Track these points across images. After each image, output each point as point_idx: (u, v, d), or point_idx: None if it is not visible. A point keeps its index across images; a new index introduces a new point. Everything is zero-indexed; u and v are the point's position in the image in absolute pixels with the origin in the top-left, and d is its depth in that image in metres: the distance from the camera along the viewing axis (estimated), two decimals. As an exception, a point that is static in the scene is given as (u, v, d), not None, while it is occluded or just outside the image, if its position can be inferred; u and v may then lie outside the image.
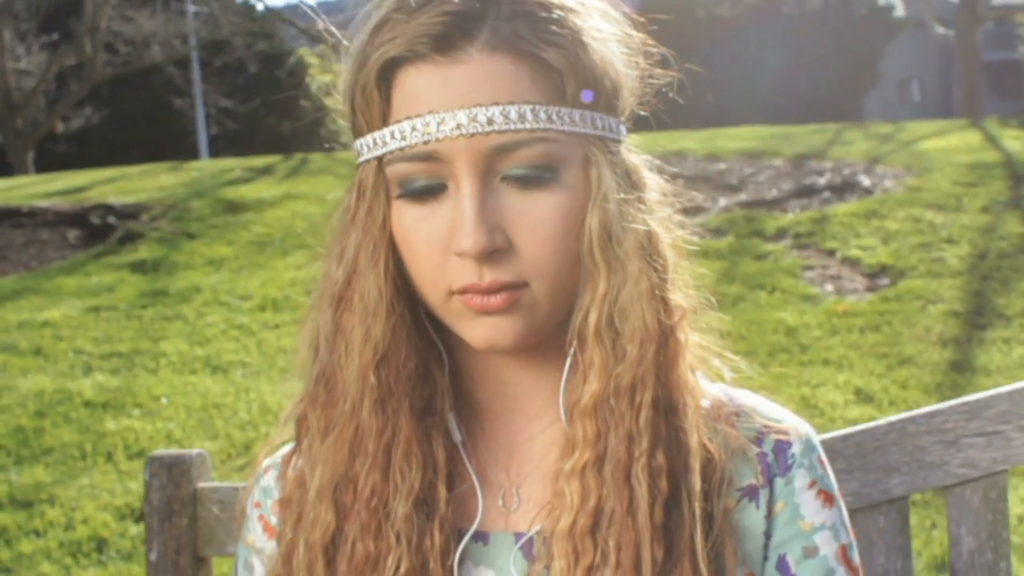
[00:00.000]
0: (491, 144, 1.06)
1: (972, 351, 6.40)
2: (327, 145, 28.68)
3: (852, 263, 8.10)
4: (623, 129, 1.15)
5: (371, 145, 1.11)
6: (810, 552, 1.14)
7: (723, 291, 7.47)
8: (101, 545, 4.90)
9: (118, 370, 6.79)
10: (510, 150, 1.07)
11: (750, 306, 7.25)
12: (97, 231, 9.79)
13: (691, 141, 12.29)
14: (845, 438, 1.44)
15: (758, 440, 1.16)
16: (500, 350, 1.11)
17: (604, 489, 1.08)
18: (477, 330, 1.10)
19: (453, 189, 1.08)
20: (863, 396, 5.78)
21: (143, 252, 9.21)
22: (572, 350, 1.12)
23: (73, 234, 9.80)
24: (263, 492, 1.25)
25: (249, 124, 28.89)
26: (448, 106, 1.06)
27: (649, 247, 1.11)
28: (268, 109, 29.40)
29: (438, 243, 1.09)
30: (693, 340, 1.16)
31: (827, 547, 1.15)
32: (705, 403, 1.15)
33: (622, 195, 1.10)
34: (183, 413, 6.15)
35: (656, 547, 1.06)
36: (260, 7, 27.49)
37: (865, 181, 10.15)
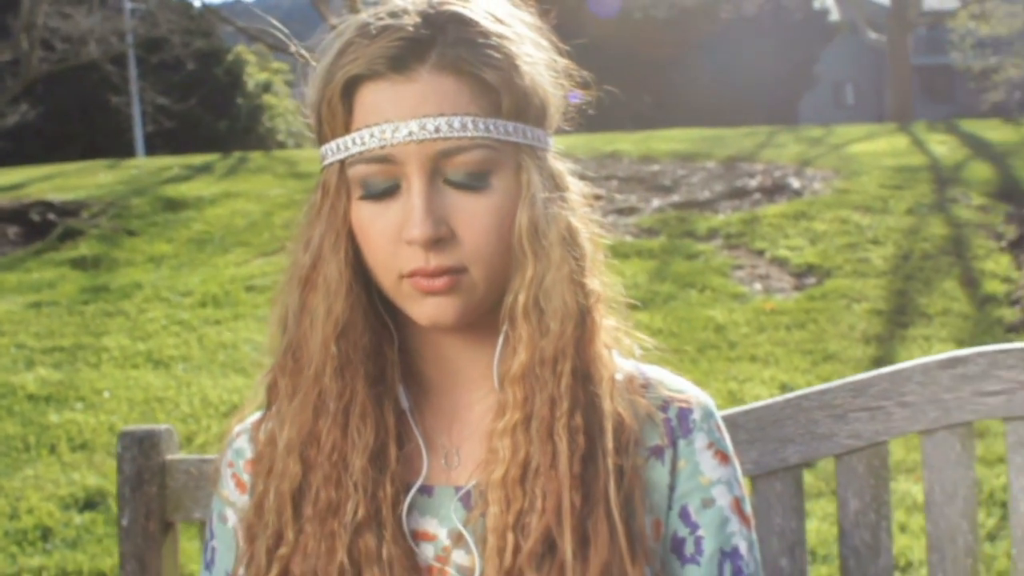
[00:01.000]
0: (437, 149, 1.24)
1: (894, 348, 6.63)
2: (275, 140, 28.66)
3: (780, 263, 8.33)
4: (550, 140, 1.32)
5: (335, 150, 1.28)
6: (708, 503, 1.32)
7: (655, 289, 7.67)
8: (46, 534, 5.00)
9: (60, 364, 6.88)
10: (453, 154, 1.24)
11: (681, 304, 7.45)
12: (37, 228, 9.84)
13: (626, 143, 12.48)
14: (747, 412, 1.62)
15: (664, 407, 1.34)
16: (442, 327, 1.28)
17: (531, 445, 1.25)
18: (423, 309, 1.27)
19: (405, 188, 1.25)
20: (788, 391, 5.98)
21: (84, 249, 9.28)
22: (504, 327, 1.29)
23: (13, 231, 9.84)
24: (235, 453, 1.41)
25: (186, 122, 28.74)
26: (402, 116, 1.23)
27: (570, 239, 1.28)
28: (204, 107, 29.27)
29: (391, 234, 1.25)
30: (608, 323, 1.33)
31: (723, 498, 1.33)
32: (619, 376, 1.33)
33: (547, 195, 1.28)
34: (125, 406, 6.25)
35: (575, 495, 1.24)
36: (198, 4, 27.35)
37: (795, 183, 10.39)
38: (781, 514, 1.61)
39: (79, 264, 8.95)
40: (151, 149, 27.82)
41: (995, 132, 13.31)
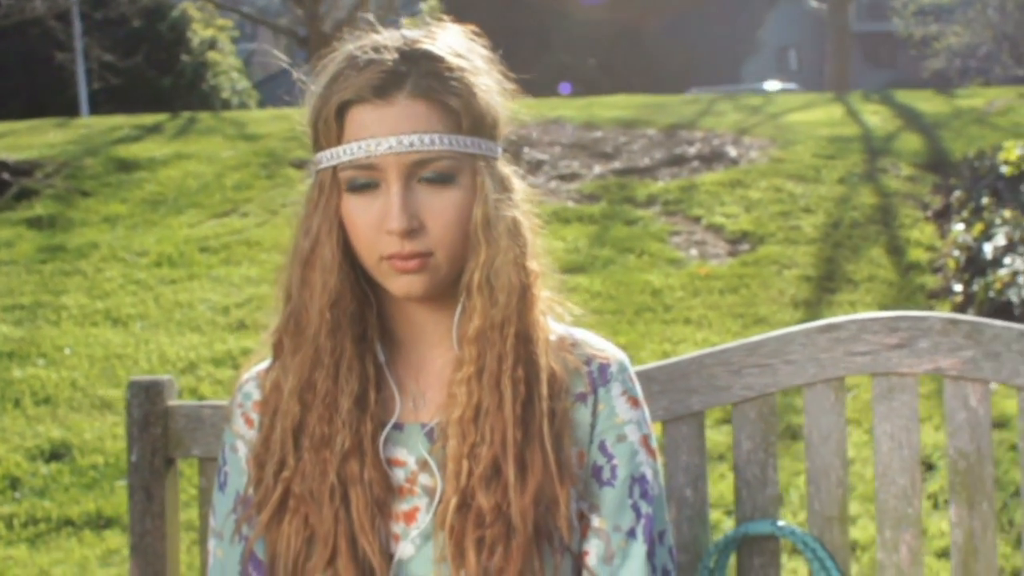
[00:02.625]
0: (411, 159, 1.57)
1: (821, 312, 6.97)
2: (219, 98, 28.63)
3: (716, 229, 8.63)
4: (499, 150, 1.65)
5: (328, 157, 1.60)
6: (621, 438, 1.66)
7: (595, 254, 7.98)
8: (15, 483, 5.27)
9: (21, 322, 7.12)
10: (424, 163, 1.58)
11: (619, 268, 7.75)
12: (-8, 186, 9.99)
13: (569, 109, 12.71)
14: (659, 368, 1.95)
15: (587, 362, 1.68)
16: (413, 298, 1.62)
17: (482, 392, 1.59)
18: (399, 284, 1.60)
19: (384, 188, 1.58)
20: (719, 352, 6.33)
21: (39, 209, 9.46)
22: (462, 299, 1.62)
23: (-33, 189, 9.99)
24: (244, 396, 1.72)
25: (130, 79, 28.61)
26: (383, 133, 1.56)
27: (514, 230, 1.62)
28: (148, 64, 29.15)
29: (374, 224, 1.58)
30: (545, 295, 1.68)
31: (633, 435, 1.67)
32: (552, 337, 1.67)
33: (497, 196, 1.61)
34: (86, 363, 6.50)
35: (517, 431, 1.58)
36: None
37: (732, 152, 10.67)
38: (687, 452, 1.94)
39: (35, 224, 9.14)
40: (95, 106, 27.73)
41: (928, 103, 13.63)
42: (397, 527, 1.62)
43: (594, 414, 1.66)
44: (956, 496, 1.90)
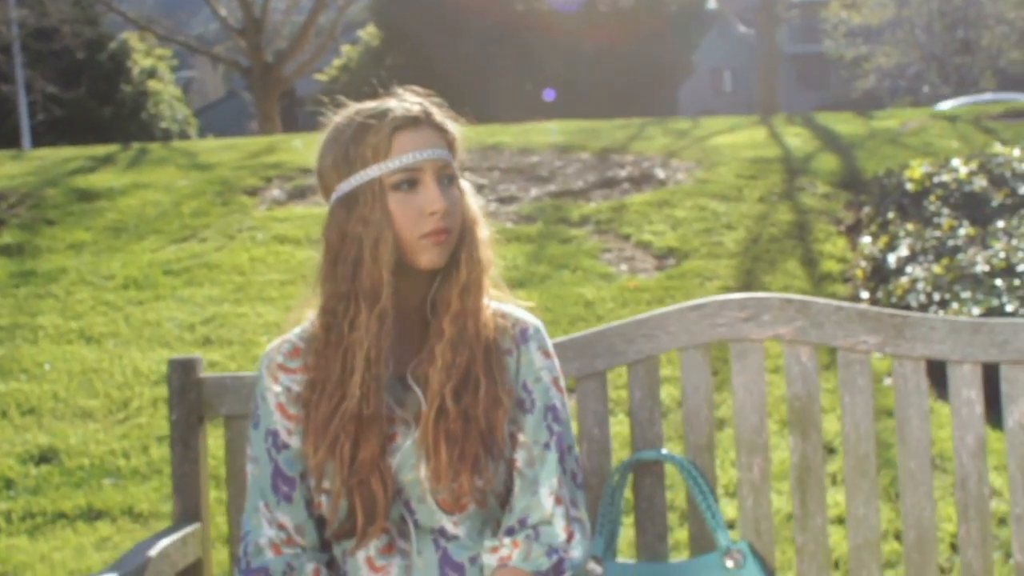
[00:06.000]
0: (439, 165, 2.26)
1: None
2: (159, 128, 28.95)
3: (644, 246, 9.20)
4: None
5: (379, 169, 2.24)
6: (538, 380, 2.33)
7: (532, 270, 8.58)
8: (9, 484, 5.79)
9: (1, 341, 7.66)
10: (444, 168, 2.27)
11: (555, 283, 8.35)
12: (-41, 218, 10.47)
13: (507, 136, 13.29)
14: (572, 340, 2.62)
15: (513, 327, 2.35)
16: (437, 266, 2.26)
17: (455, 345, 2.25)
18: (429, 256, 2.24)
19: (422, 186, 2.24)
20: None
21: (7, 237, 9.97)
22: (446, 270, 2.28)
23: (-65, 220, 10.47)
24: (269, 360, 2.34)
25: (72, 110, 28.88)
26: (422, 147, 2.25)
27: (482, 223, 2.33)
28: (89, 94, 29.45)
29: (417, 210, 2.23)
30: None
31: (546, 377, 2.34)
32: (491, 308, 2.33)
33: (471, 196, 2.33)
34: (65, 377, 7.05)
35: (475, 369, 2.25)
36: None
37: (660, 174, 11.26)
38: (593, 402, 2.60)
39: (5, 251, 9.65)
40: (36, 137, 28.03)
41: (846, 125, 14.33)
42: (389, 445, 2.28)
43: (517, 363, 2.33)
44: (793, 429, 2.57)
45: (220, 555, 3.90)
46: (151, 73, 33.48)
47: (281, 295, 8.30)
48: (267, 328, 7.64)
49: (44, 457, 6.08)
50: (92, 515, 5.51)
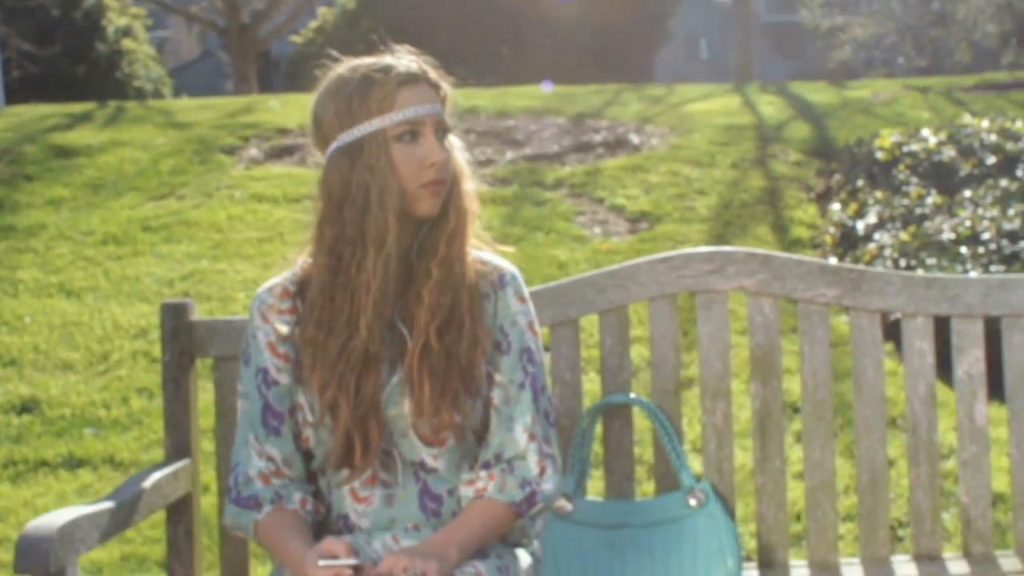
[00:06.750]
0: (437, 119, 2.40)
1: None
2: (134, 87, 28.90)
3: (617, 210, 9.30)
4: None
5: (382, 119, 2.37)
6: (514, 323, 2.47)
7: (507, 232, 8.69)
8: (-9, 432, 5.94)
9: (-19, 295, 7.75)
10: (440, 122, 2.41)
11: (529, 245, 8.46)
12: (-63, 173, 10.50)
13: (483, 99, 13.33)
14: (547, 288, 2.76)
15: (492, 273, 2.49)
16: (432, 214, 2.40)
17: (441, 287, 2.38)
18: (427, 204, 2.39)
19: (423, 139, 2.38)
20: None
21: (-14, 192, 10.04)
22: (443, 219, 2.42)
23: (-86, 174, 10.50)
24: (260, 301, 2.48)
25: (47, 68, 28.76)
26: (423, 102, 2.39)
27: (468, 174, 2.46)
28: (63, 52, 29.32)
29: (418, 160, 2.37)
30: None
31: (522, 321, 2.48)
32: (472, 255, 2.47)
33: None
34: (46, 329, 7.14)
35: (460, 308, 2.39)
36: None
37: (635, 139, 11.34)
38: (566, 347, 2.74)
39: (-17, 206, 9.71)
40: (11, 95, 27.89)
41: (820, 94, 14.40)
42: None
43: (495, 307, 2.47)
44: (755, 375, 2.72)
45: (209, 488, 4.02)
46: (126, 32, 33.26)
47: (258, 252, 8.39)
48: (245, 284, 7.74)
49: (26, 407, 6.19)
50: (73, 463, 5.63)
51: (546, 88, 12.27)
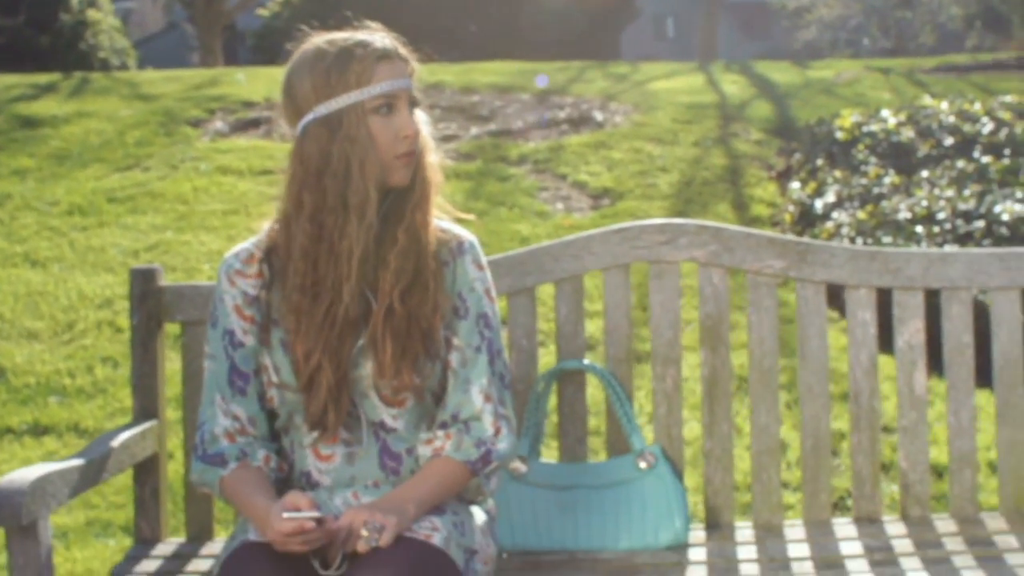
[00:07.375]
0: (409, 94, 2.49)
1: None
2: (98, 58, 28.75)
3: (580, 186, 9.39)
4: None
5: (361, 92, 2.46)
6: (471, 290, 2.57)
7: (471, 206, 8.77)
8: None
9: (-54, 263, 7.78)
10: (411, 96, 2.50)
11: (493, 220, 8.54)
12: (-98, 142, 10.50)
13: (448, 74, 13.39)
14: (505, 257, 2.86)
15: (452, 241, 2.58)
16: (403, 183, 2.50)
17: (406, 252, 2.48)
18: (400, 175, 2.49)
19: (397, 112, 2.48)
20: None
21: (-49, 161, 10.05)
22: (409, 189, 2.52)
23: None
24: (228, 266, 2.56)
25: (9, 37, 28.58)
26: (398, 76, 2.48)
27: (431, 147, 2.56)
28: (27, 22, 29.14)
29: (393, 133, 2.47)
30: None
31: (479, 287, 2.57)
32: (435, 224, 2.56)
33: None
34: (11, 299, 7.18)
35: (424, 273, 2.48)
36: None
37: (599, 116, 11.42)
38: (523, 315, 2.84)
39: (-52, 175, 9.72)
40: (-29, 65, 27.70)
41: (783, 74, 14.52)
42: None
43: (454, 273, 2.57)
44: (704, 343, 2.82)
45: (174, 455, 4.10)
46: (91, 2, 33.13)
47: (223, 224, 8.44)
48: (210, 256, 7.80)
49: (-6, 371, 6.25)
50: (39, 431, 5.69)
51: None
